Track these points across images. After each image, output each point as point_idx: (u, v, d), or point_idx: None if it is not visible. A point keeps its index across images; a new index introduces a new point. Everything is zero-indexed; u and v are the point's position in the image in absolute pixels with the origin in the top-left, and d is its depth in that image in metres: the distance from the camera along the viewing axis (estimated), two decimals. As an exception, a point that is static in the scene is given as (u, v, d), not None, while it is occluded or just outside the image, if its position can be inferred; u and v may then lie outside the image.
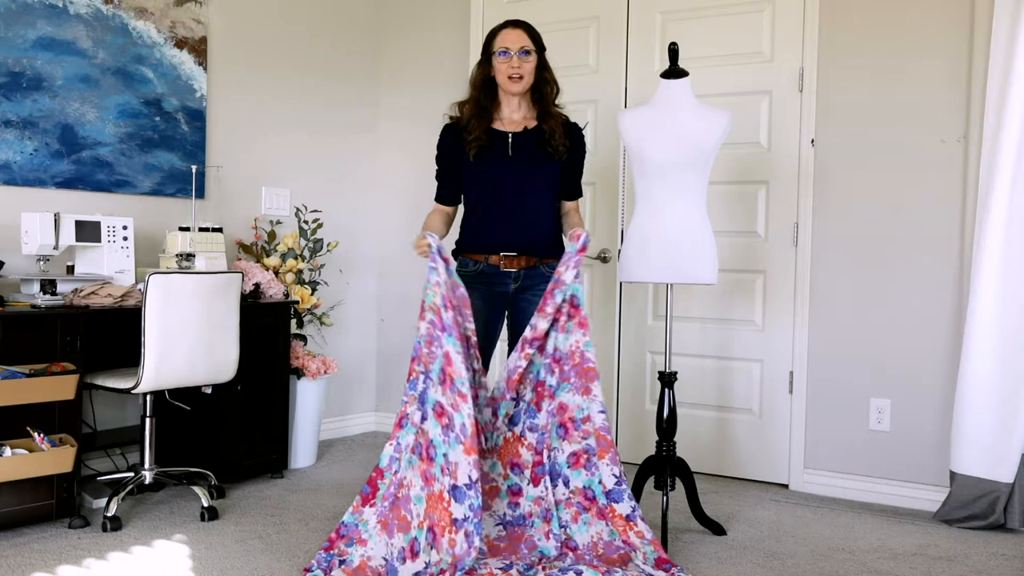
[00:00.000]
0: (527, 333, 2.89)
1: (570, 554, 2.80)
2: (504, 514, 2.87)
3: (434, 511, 2.73)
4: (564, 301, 2.88)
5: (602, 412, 2.89)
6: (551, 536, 2.83)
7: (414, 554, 2.71)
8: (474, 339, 2.88)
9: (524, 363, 2.90)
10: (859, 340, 3.80)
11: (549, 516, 2.86)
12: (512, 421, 2.94)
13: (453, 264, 2.89)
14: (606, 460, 2.87)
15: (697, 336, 4.14)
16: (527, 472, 2.90)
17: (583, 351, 2.89)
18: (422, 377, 2.83)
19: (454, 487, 2.70)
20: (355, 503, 2.86)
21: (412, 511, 2.76)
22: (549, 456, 2.89)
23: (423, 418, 2.81)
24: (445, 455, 2.74)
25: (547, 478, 2.88)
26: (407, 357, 4.92)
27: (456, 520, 2.67)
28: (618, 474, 2.87)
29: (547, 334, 2.91)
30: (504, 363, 3.08)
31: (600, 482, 2.87)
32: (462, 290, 2.87)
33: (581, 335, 2.90)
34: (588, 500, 2.87)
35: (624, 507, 2.85)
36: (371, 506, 2.82)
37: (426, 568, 2.67)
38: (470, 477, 2.67)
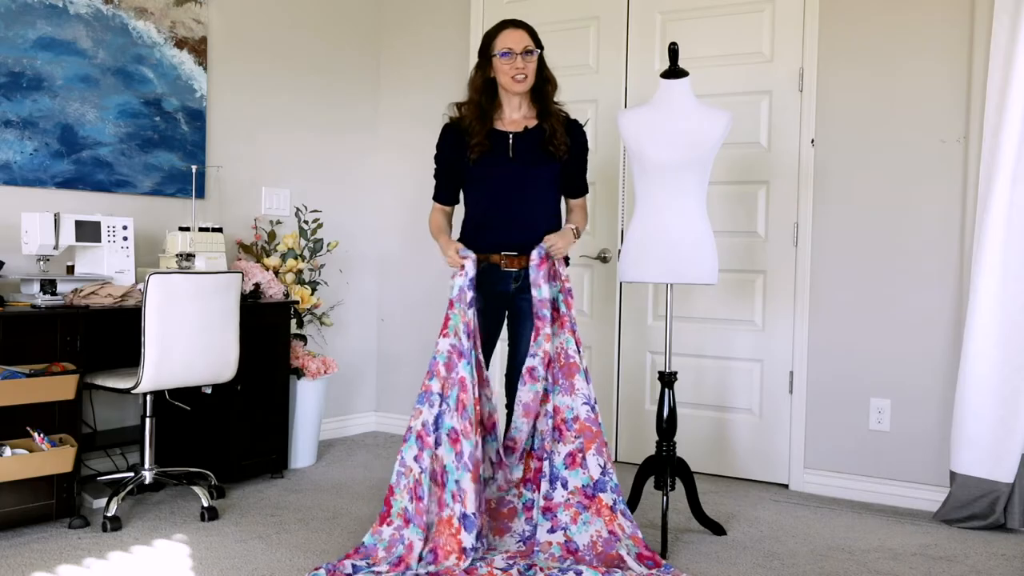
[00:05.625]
0: (531, 362, 2.93)
1: (571, 557, 2.81)
2: (524, 531, 2.91)
3: (440, 535, 2.78)
4: (548, 312, 2.93)
5: (586, 404, 2.91)
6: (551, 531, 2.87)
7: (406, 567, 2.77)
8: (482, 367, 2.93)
9: (536, 392, 2.96)
10: (859, 340, 3.80)
11: (546, 516, 2.90)
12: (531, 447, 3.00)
13: (470, 281, 2.92)
14: (592, 451, 2.89)
15: (697, 336, 4.14)
16: (534, 484, 2.96)
17: (565, 348, 2.93)
18: (438, 400, 2.87)
19: (464, 515, 2.77)
20: (375, 524, 2.92)
21: (421, 541, 2.82)
22: (548, 459, 2.91)
23: (437, 443, 2.86)
24: (457, 482, 2.80)
25: (546, 482, 2.90)
26: (407, 357, 4.94)
27: (465, 549, 2.74)
28: (603, 464, 2.89)
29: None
30: (503, 369, 3.19)
31: (589, 475, 2.88)
32: (472, 314, 2.91)
33: (564, 335, 2.94)
34: (588, 499, 2.88)
35: (608, 497, 2.87)
36: (388, 524, 2.87)
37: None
38: (476, 506, 2.77)
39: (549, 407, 2.93)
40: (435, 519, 2.83)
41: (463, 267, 2.91)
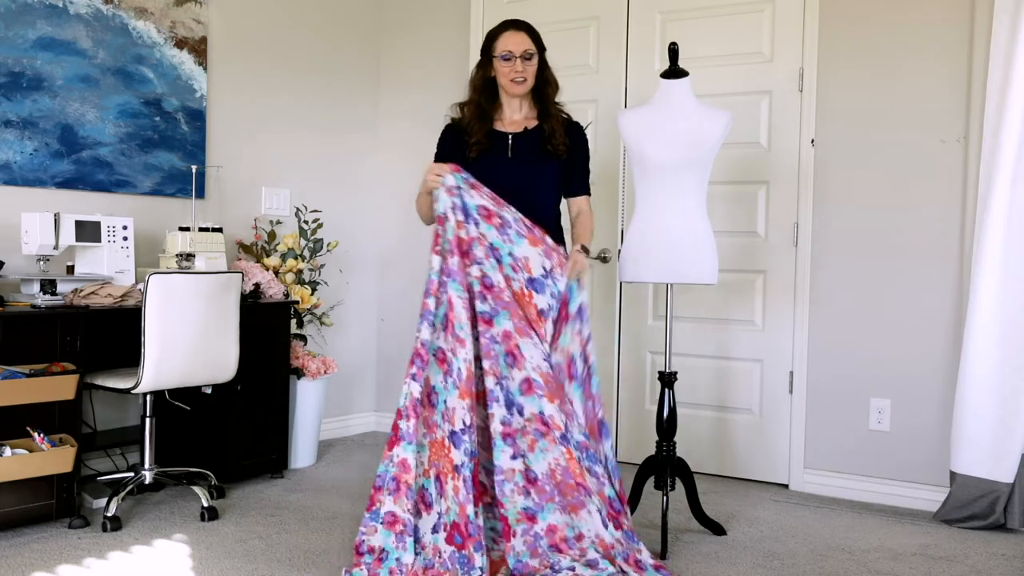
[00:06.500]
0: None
1: (532, 490, 2.75)
2: (545, 351, 2.84)
3: (438, 458, 2.77)
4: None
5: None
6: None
7: (427, 505, 2.76)
8: (478, 287, 2.83)
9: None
10: (859, 340, 3.80)
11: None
12: (532, 284, 2.89)
13: (470, 195, 2.86)
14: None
15: (697, 336, 4.14)
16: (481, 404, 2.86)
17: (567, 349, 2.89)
18: (430, 318, 2.82)
19: (452, 433, 2.75)
20: (385, 450, 2.84)
21: (416, 459, 2.78)
22: (500, 384, 2.80)
23: (426, 363, 2.82)
24: (445, 401, 2.79)
25: (501, 406, 2.80)
26: (407, 357, 4.91)
27: (456, 466, 2.73)
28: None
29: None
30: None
31: (541, 405, 2.79)
32: (475, 228, 2.85)
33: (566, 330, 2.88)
34: (544, 425, 2.79)
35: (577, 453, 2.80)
36: (398, 446, 2.81)
37: (439, 519, 2.73)
38: (464, 422, 2.74)
39: (496, 331, 2.81)
40: (426, 441, 2.80)
41: (441, 178, 2.84)
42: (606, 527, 2.77)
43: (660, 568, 2.77)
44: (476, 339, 2.82)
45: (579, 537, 2.75)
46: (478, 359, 2.83)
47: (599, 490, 2.82)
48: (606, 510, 2.81)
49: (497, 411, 2.79)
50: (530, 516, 2.74)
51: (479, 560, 2.66)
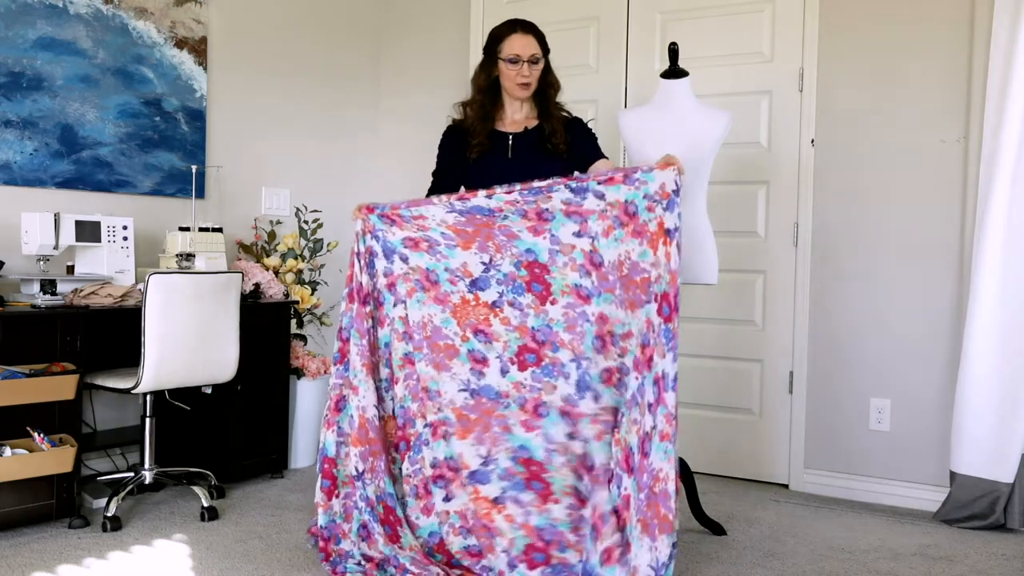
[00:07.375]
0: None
1: (471, 531, 2.72)
2: (468, 380, 2.78)
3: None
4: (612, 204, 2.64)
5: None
6: (532, 428, 2.71)
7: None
8: (401, 328, 2.82)
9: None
10: (859, 340, 3.80)
11: (533, 408, 2.71)
12: (476, 285, 2.78)
13: (392, 232, 2.83)
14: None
15: (697, 336, 4.14)
16: (504, 352, 2.75)
17: (636, 262, 2.60)
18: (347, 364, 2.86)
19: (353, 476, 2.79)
20: (321, 502, 2.81)
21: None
22: (578, 364, 2.69)
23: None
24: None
25: (426, 448, 2.78)
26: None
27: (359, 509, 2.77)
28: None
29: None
30: None
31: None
32: (403, 264, 2.82)
33: (636, 244, 2.59)
34: (451, 471, 2.76)
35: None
36: (337, 497, 2.81)
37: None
38: (356, 468, 2.76)
39: (592, 311, 2.67)
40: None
41: (354, 223, 2.84)
42: (512, 568, 2.67)
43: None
44: (377, 387, 2.83)
45: None
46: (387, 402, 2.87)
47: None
48: (523, 547, 2.68)
49: (427, 454, 2.80)
50: (473, 553, 2.73)
51: None
